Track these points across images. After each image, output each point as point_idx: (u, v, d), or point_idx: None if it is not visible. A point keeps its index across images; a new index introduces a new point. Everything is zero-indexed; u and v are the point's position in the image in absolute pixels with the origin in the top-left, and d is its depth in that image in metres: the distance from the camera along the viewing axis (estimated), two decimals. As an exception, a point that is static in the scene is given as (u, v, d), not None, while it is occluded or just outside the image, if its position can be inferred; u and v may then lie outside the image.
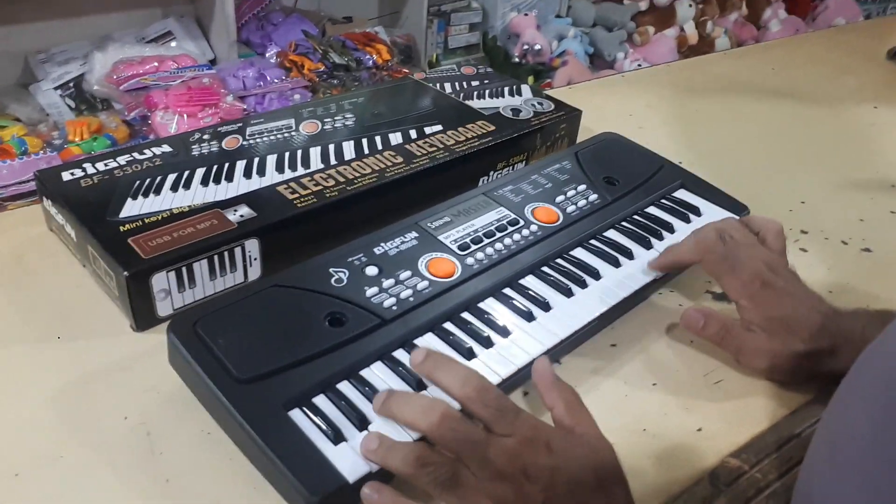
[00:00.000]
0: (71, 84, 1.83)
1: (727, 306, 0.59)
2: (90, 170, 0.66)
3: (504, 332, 0.55)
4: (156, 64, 1.81)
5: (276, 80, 1.91)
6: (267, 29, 2.08)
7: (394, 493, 0.42)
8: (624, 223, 0.68)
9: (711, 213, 0.72)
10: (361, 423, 0.47)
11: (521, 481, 0.40)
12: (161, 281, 0.56)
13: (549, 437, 0.42)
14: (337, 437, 0.45)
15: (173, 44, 1.95)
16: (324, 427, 0.46)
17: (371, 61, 2.06)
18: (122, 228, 0.59)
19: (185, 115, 1.73)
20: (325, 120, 0.78)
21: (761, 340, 0.55)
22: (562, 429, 0.45)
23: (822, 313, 0.55)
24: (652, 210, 0.71)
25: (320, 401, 0.48)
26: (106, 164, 0.67)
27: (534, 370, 0.48)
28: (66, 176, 0.65)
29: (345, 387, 0.49)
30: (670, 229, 0.68)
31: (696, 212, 0.71)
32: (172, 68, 1.82)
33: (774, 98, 1.10)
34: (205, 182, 0.66)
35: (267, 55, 2.02)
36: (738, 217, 0.71)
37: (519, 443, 0.41)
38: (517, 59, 2.29)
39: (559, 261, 0.63)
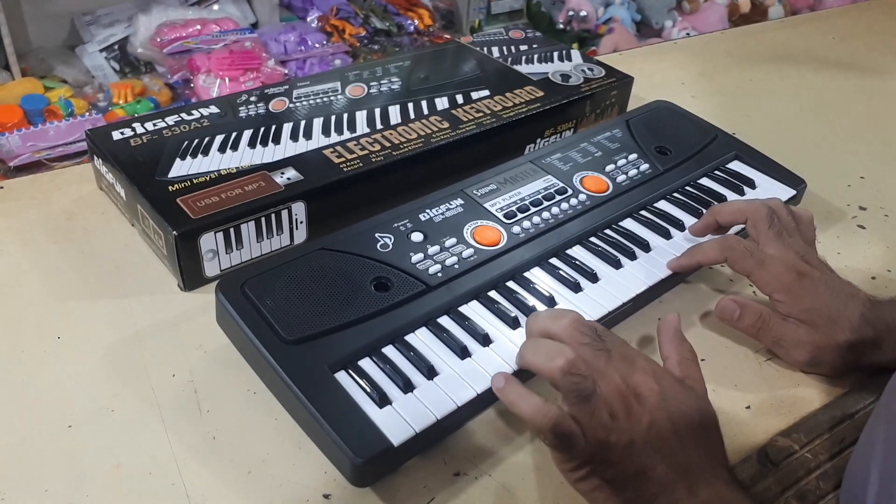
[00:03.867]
0: (116, 47, 1.85)
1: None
2: (139, 129, 0.66)
3: (550, 302, 0.54)
4: (198, 27, 1.82)
5: (317, 45, 1.90)
6: (309, -8, 2.06)
7: (518, 383, 0.44)
8: (676, 194, 0.67)
9: (767, 185, 0.69)
10: (406, 386, 0.47)
11: (632, 401, 0.41)
12: (209, 241, 0.57)
13: (658, 371, 0.43)
14: (382, 400, 0.46)
15: (216, 7, 1.95)
16: (369, 390, 0.46)
17: (412, 26, 2.04)
18: (170, 188, 0.59)
19: (226, 79, 1.74)
20: (371, 84, 0.77)
21: (802, 332, 0.53)
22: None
23: (861, 303, 0.53)
24: (705, 181, 0.69)
25: (366, 364, 0.48)
26: (154, 125, 0.67)
27: (661, 322, 0.48)
28: (115, 135, 0.66)
29: (390, 351, 0.49)
30: (723, 201, 0.66)
31: (751, 184, 0.69)
32: (215, 31, 1.83)
33: (833, 68, 1.05)
34: (252, 144, 0.66)
35: (308, 19, 2.01)
36: (794, 191, 0.69)
37: (630, 364, 0.43)
38: (562, 26, 2.23)
39: (608, 231, 0.62)
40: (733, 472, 0.43)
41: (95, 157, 0.66)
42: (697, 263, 0.58)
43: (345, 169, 0.63)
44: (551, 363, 0.42)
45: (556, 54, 0.86)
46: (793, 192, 0.69)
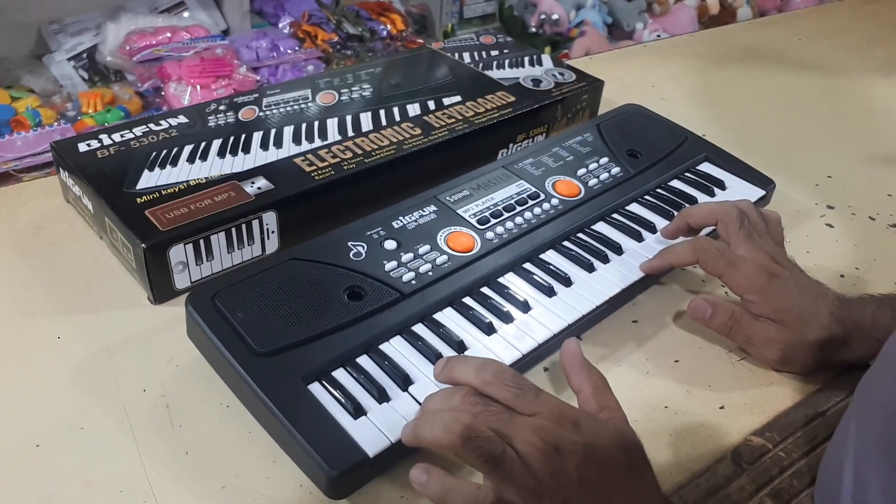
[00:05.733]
0: (84, 55, 1.82)
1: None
2: (106, 141, 0.65)
3: (524, 307, 0.54)
4: (169, 35, 1.80)
5: (289, 51, 1.89)
6: (280, -2, 2.05)
7: (442, 473, 0.40)
8: (647, 197, 0.67)
9: (736, 186, 0.70)
10: (381, 396, 0.46)
11: (554, 457, 0.39)
12: (178, 253, 0.56)
13: (575, 416, 0.41)
14: (357, 410, 0.45)
15: (186, 14, 1.93)
16: (343, 401, 0.46)
17: (385, 31, 2.03)
18: (138, 200, 0.58)
19: (198, 87, 1.72)
20: (342, 91, 0.76)
21: (773, 331, 0.53)
22: (587, 412, 0.44)
23: (830, 301, 0.54)
24: (675, 183, 0.69)
25: (340, 374, 0.48)
26: (122, 136, 0.66)
27: (562, 352, 0.47)
28: (82, 147, 0.64)
29: (364, 361, 0.49)
30: (694, 203, 0.67)
31: (721, 185, 0.70)
32: (185, 39, 1.80)
33: (801, 69, 1.07)
34: (221, 154, 0.65)
35: (280, 25, 1.99)
36: (764, 191, 0.70)
37: (546, 419, 0.40)
38: (534, 30, 2.25)
39: (580, 235, 0.62)
40: (670, 501, 0.43)
41: (62, 170, 0.65)
42: (670, 265, 0.59)
43: (316, 177, 0.62)
44: (449, 433, 0.38)
45: (526, 59, 0.86)
46: (762, 193, 0.70)
